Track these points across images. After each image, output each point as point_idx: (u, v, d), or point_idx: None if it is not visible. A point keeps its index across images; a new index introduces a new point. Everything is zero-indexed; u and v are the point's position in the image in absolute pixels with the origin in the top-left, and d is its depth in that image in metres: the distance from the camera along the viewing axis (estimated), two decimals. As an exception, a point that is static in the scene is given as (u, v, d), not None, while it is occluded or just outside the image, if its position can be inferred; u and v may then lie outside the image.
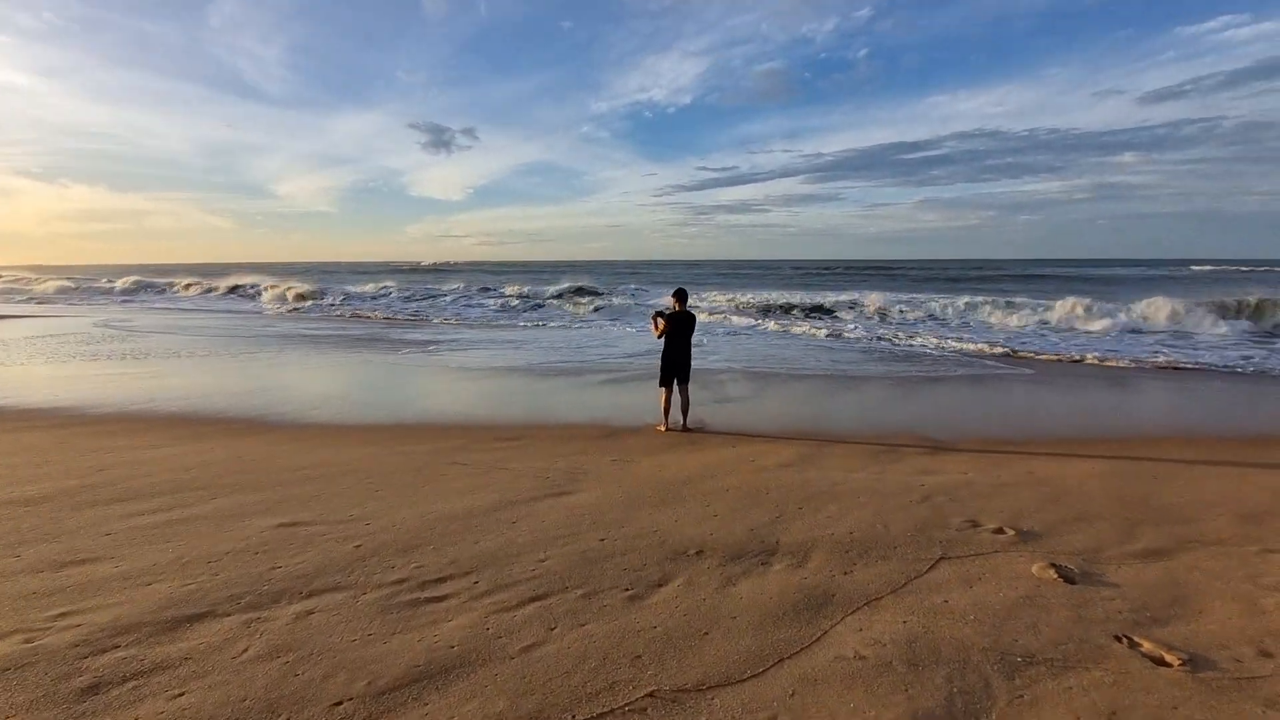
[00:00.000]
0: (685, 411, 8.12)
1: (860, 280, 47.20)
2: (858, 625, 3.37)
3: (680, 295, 8.12)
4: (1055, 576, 3.89)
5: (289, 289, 37.82)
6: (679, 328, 8.02)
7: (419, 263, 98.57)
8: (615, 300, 31.25)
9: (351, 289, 38.97)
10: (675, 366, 8.04)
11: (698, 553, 4.29)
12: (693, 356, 8.27)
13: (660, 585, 3.84)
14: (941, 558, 4.20)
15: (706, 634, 3.29)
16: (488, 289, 38.33)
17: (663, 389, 8.12)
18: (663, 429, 8.04)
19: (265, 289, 39.75)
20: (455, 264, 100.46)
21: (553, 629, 3.34)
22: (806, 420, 8.47)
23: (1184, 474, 6.06)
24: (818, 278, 55.86)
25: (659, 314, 8.20)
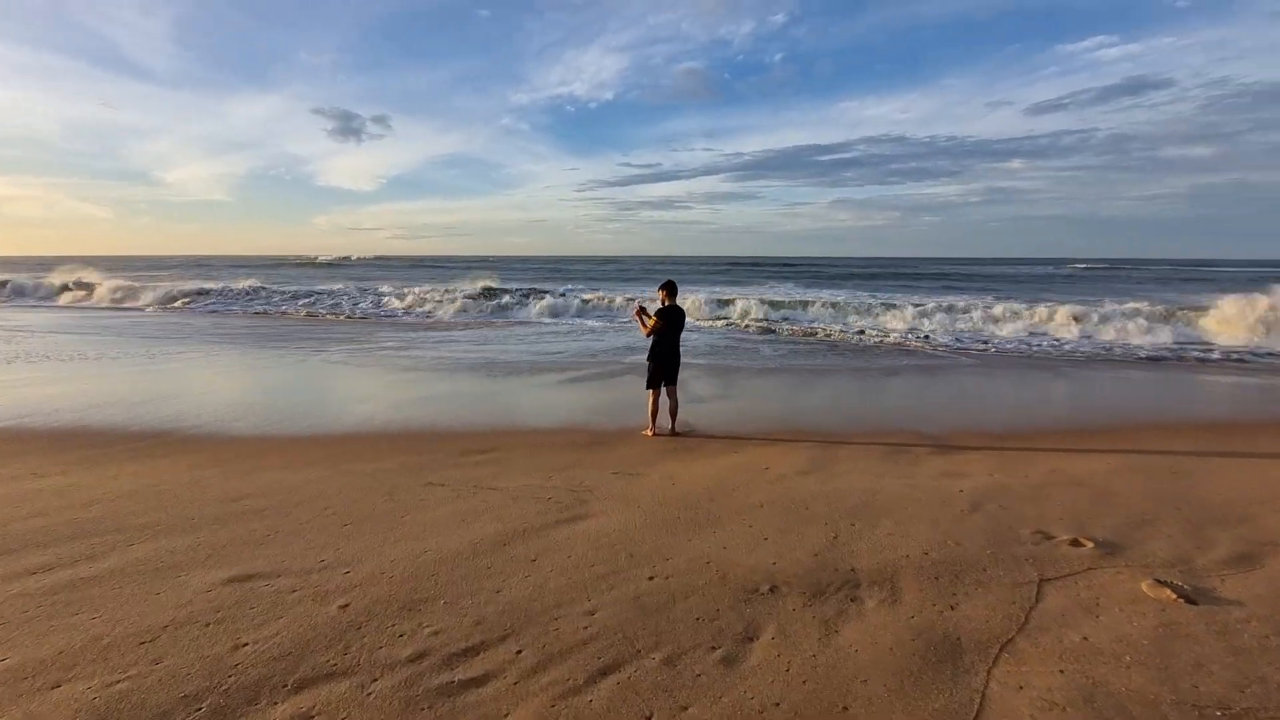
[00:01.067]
0: (674, 415, 7.43)
1: (785, 277, 48.05)
2: (1012, 681, 2.80)
3: (669, 288, 7.40)
4: (1173, 597, 3.50)
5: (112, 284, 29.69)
6: (670, 325, 7.30)
7: (315, 258, 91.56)
8: (545, 301, 28.87)
9: (207, 285, 31.72)
10: (664, 367, 7.33)
11: (771, 589, 3.62)
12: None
13: (750, 639, 3.13)
14: (1041, 580, 3.73)
15: (846, 709, 2.62)
16: (380, 292, 27.95)
17: (650, 391, 7.39)
18: (650, 433, 7.32)
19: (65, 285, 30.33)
20: (357, 259, 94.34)
21: (649, 718, 2.56)
22: (790, 418, 7.98)
23: (1199, 467, 5.97)
24: (746, 272, 56.59)
25: (643, 309, 7.45)
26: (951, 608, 3.43)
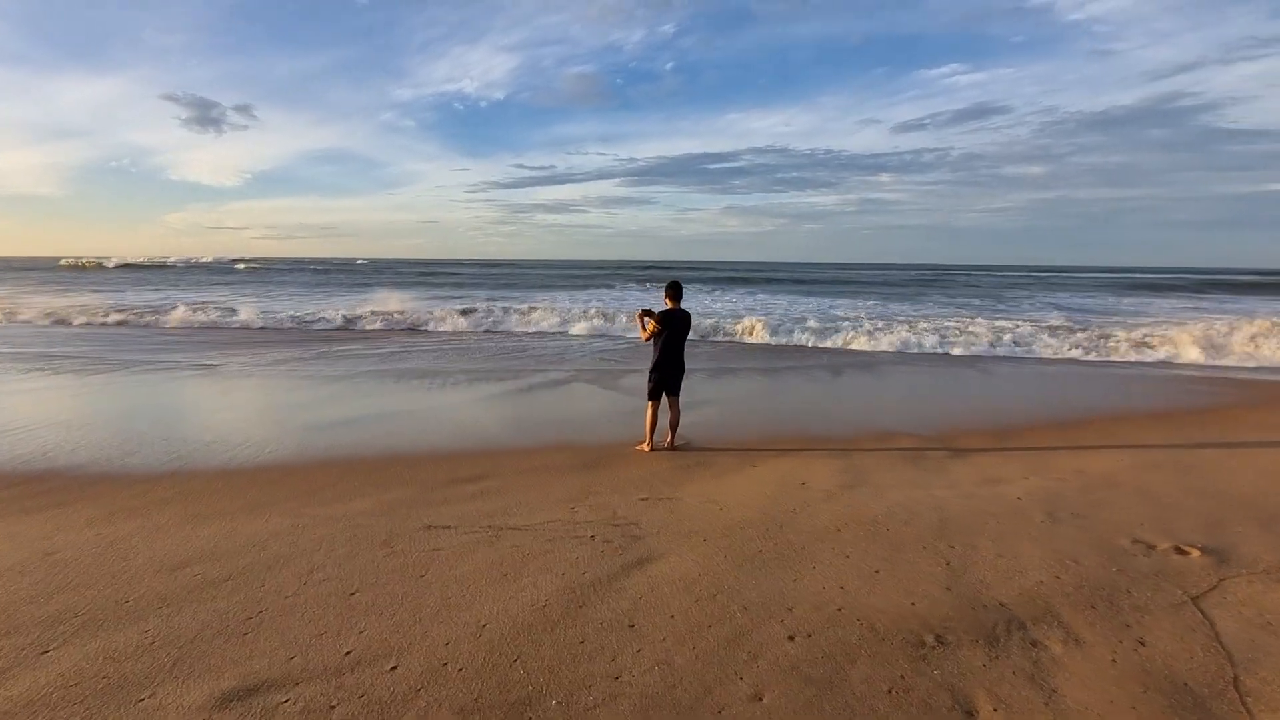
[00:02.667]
0: (674, 428, 6.72)
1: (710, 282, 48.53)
2: (1294, 738, 2.40)
3: (674, 290, 6.68)
4: (1330, 608, 3.30)
5: None
6: (674, 329, 6.58)
7: (167, 259, 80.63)
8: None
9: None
10: (667, 376, 6.60)
11: (938, 640, 3.05)
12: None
13: (970, 713, 2.54)
14: (1193, 600, 3.44)
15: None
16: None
17: (651, 402, 6.64)
18: (647, 448, 6.58)
19: None
20: (213, 261, 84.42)
21: None
22: (773, 424, 7.56)
23: (1209, 461, 6.15)
24: (648, 274, 56.64)
25: (647, 312, 6.69)
26: (1141, 643, 3.03)
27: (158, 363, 11.44)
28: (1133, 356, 13.42)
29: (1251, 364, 12.53)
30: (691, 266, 77.67)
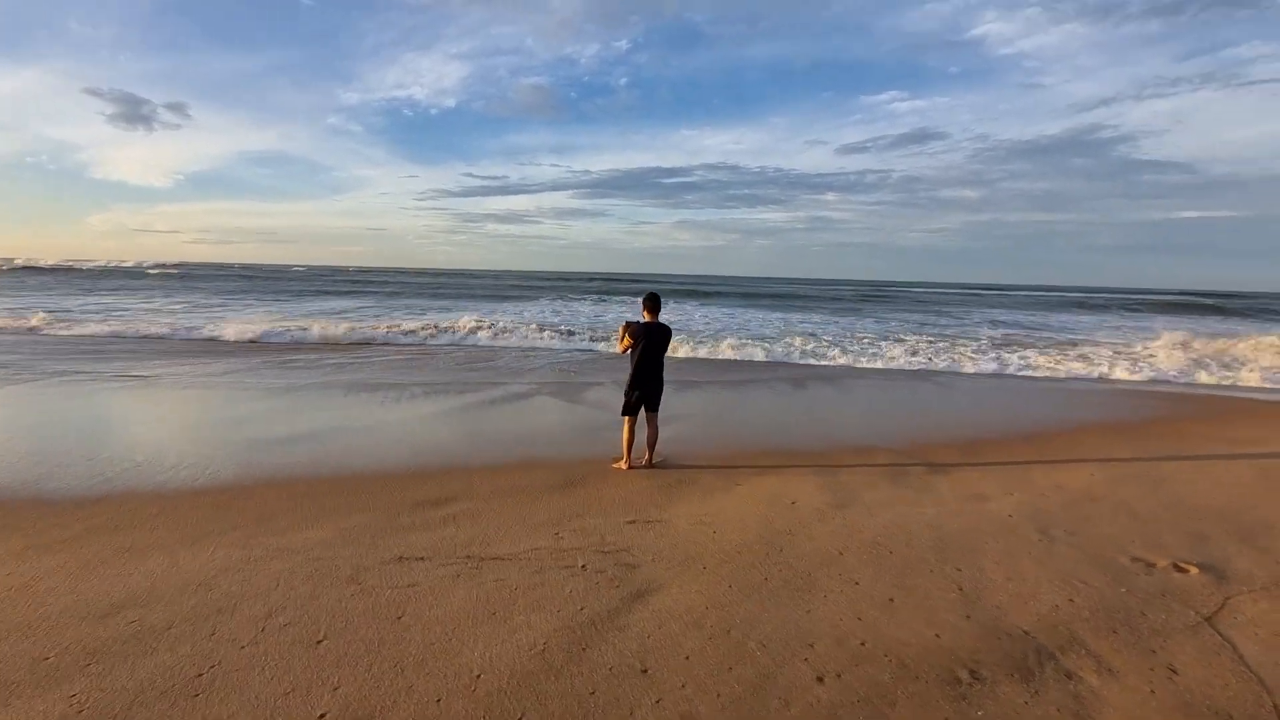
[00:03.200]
0: (651, 445, 6.44)
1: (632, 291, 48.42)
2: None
3: (652, 303, 6.43)
4: (1338, 627, 3.30)
5: None
6: (651, 343, 6.31)
7: (87, 262, 75.21)
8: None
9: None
10: (643, 391, 6.33)
11: (972, 675, 2.87)
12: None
13: (1026, 761, 2.35)
14: (1205, 620, 3.39)
15: None
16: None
17: (627, 418, 6.35)
18: (625, 466, 6.29)
19: None
20: (133, 265, 79.46)
21: None
22: (743, 439, 7.38)
23: (1174, 474, 6.29)
24: (603, 286, 56.26)
25: (629, 324, 6.41)
26: (1173, 670, 2.93)
27: (75, 374, 10.42)
28: (1081, 371, 13.94)
29: (1181, 379, 13.19)
30: (644, 279, 77.85)
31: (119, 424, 7.54)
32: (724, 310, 32.09)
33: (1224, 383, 12.82)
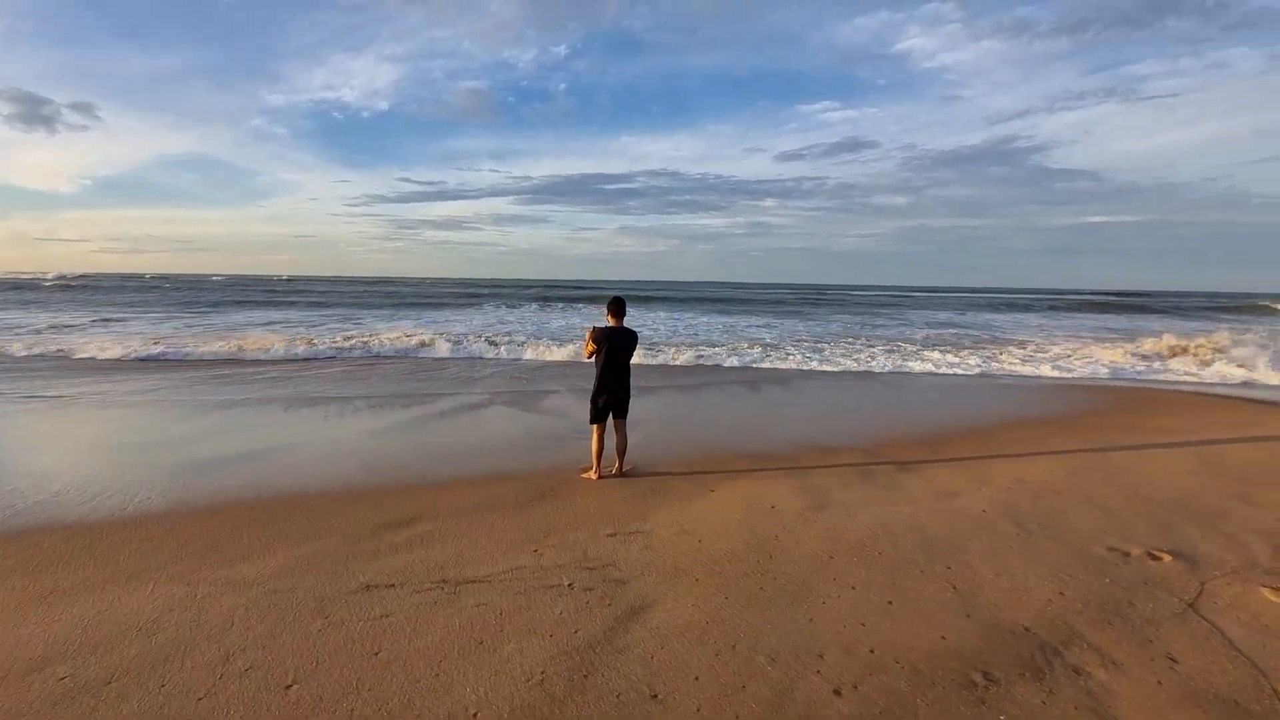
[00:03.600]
0: (621, 454, 6.26)
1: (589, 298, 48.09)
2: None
3: (616, 307, 6.24)
4: (1307, 606, 3.44)
5: None
6: (615, 347, 6.13)
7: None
8: None
9: None
10: (611, 397, 6.14)
11: (986, 678, 2.83)
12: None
13: (1059, 765, 2.30)
14: (1191, 607, 3.48)
15: None
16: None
17: (595, 426, 6.15)
18: (594, 475, 6.10)
19: None
20: (31, 276, 73.40)
21: None
22: (710, 442, 7.32)
23: (1125, 465, 6.55)
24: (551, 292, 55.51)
25: (595, 329, 6.21)
26: (1172, 659, 2.97)
27: (-30, 396, 9.39)
28: (1017, 368, 14.56)
29: (1104, 373, 13.97)
30: (587, 285, 77.39)
31: (28, 451, 6.79)
32: (670, 314, 32.22)
33: (1142, 376, 13.64)
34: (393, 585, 3.75)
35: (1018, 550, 4.27)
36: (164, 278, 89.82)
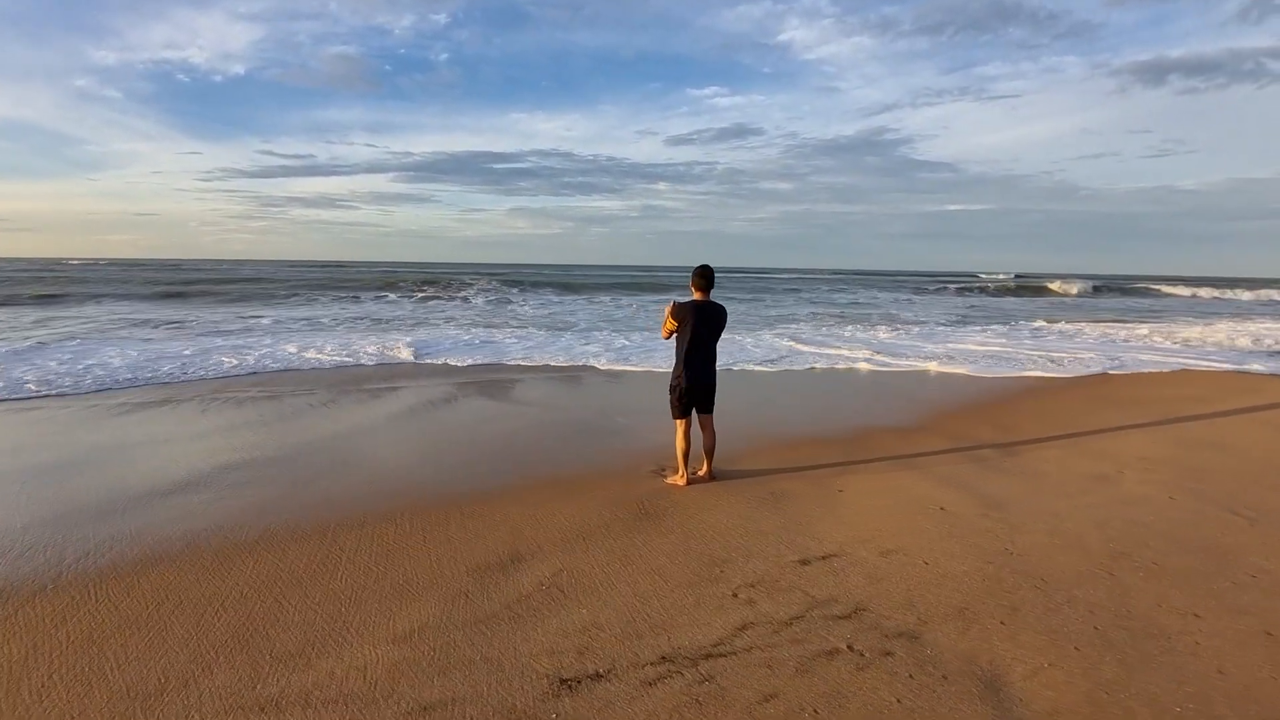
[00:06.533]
0: (710, 453, 5.13)
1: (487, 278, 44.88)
2: None
3: (702, 278, 5.03)
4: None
5: None
6: (701, 326, 4.96)
7: None
8: None
9: None
10: (694, 386, 4.99)
11: None
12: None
13: None
14: None
15: None
16: None
17: (680, 422, 5.01)
18: (682, 481, 4.98)
19: None
20: None
21: None
22: (741, 433, 6.44)
23: (1217, 437, 6.32)
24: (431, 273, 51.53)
25: (676, 304, 5.02)
26: None
27: None
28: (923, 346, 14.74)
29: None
30: (482, 269, 73.27)
31: None
32: (583, 299, 30.44)
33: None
34: (598, 675, 2.50)
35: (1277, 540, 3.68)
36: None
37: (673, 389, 5.03)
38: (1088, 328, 18.02)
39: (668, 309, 5.03)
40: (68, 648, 2.68)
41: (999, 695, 2.38)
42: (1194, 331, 16.97)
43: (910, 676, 2.47)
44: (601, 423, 6.83)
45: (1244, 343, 14.54)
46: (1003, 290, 44.35)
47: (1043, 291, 43.30)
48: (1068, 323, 19.64)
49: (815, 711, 2.28)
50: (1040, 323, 19.62)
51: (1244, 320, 21.78)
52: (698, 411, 5.07)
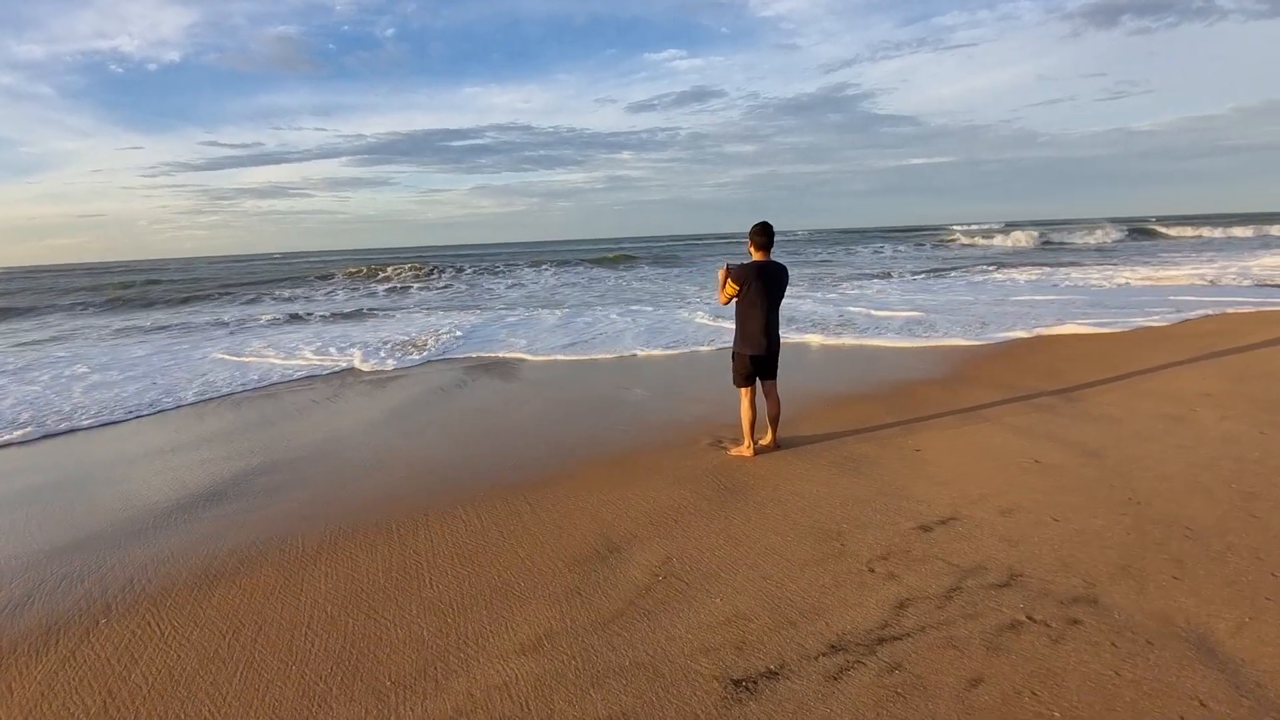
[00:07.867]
0: (775, 421, 4.87)
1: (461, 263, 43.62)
2: None
3: (761, 236, 4.66)
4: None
5: None
6: (764, 287, 4.64)
7: None
8: None
9: None
10: (759, 353, 4.69)
11: None
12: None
13: None
14: None
15: None
16: None
17: (745, 390, 4.73)
18: (748, 451, 4.72)
19: None
20: None
21: None
22: (806, 402, 6.24)
23: (1265, 367, 6.25)
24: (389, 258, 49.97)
25: (730, 268, 4.67)
26: None
27: None
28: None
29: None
30: (447, 252, 71.50)
31: None
32: (569, 275, 29.90)
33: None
34: (771, 673, 2.23)
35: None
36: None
37: (736, 356, 4.74)
38: (1075, 272, 18.14)
39: (721, 272, 4.70)
40: (150, 694, 2.32)
41: (1216, 657, 2.17)
42: (1181, 272, 17.16)
43: (1114, 645, 2.25)
44: (620, 396, 6.54)
45: (1229, 280, 14.71)
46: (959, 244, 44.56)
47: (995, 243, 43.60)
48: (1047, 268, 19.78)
49: (1034, 694, 2.04)
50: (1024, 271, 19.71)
51: (1234, 259, 22.10)
52: (761, 379, 4.79)
